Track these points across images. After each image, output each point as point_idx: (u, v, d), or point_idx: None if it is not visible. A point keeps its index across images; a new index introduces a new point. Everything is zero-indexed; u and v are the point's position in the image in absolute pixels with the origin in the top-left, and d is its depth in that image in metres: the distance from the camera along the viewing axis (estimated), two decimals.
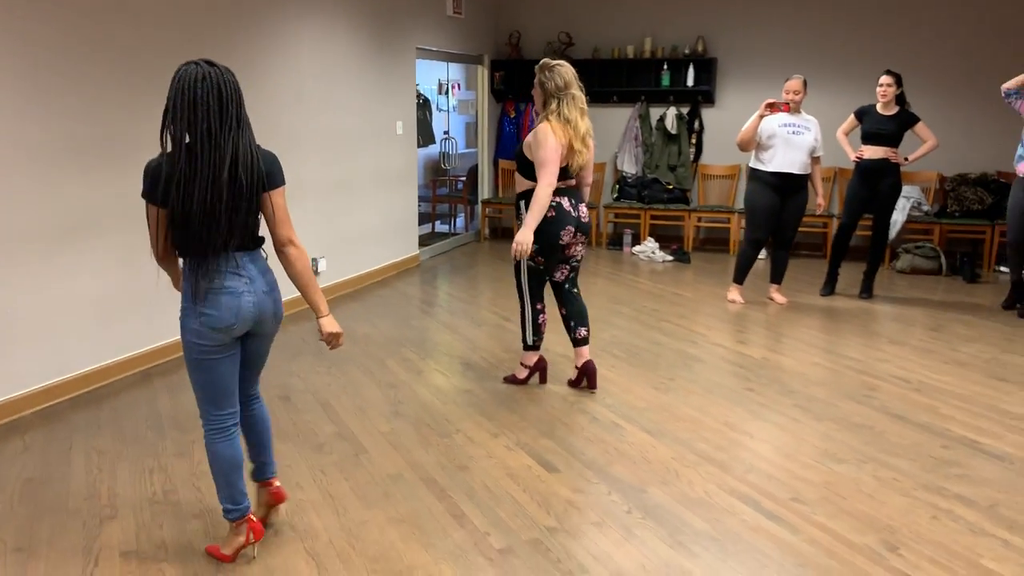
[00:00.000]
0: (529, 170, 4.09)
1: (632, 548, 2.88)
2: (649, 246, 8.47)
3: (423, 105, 11.23)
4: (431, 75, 11.76)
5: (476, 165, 9.56)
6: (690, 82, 8.65)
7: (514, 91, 9.30)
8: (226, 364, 2.65)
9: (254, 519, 2.77)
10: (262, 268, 2.70)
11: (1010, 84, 5.98)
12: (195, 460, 3.54)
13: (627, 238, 8.77)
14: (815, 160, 6.14)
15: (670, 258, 8.29)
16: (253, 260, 2.66)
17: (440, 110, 11.54)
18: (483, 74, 9.23)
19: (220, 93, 2.41)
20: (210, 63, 2.45)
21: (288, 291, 5.04)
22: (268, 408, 3.14)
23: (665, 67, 8.72)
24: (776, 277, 6.48)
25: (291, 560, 2.79)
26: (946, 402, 4.32)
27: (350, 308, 6.17)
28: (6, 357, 3.96)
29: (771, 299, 6.42)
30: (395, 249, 7.45)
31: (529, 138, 4.10)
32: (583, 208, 4.23)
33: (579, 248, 4.26)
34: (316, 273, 6.26)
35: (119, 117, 4.44)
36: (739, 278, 6.45)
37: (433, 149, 11.05)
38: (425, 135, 11.05)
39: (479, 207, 9.46)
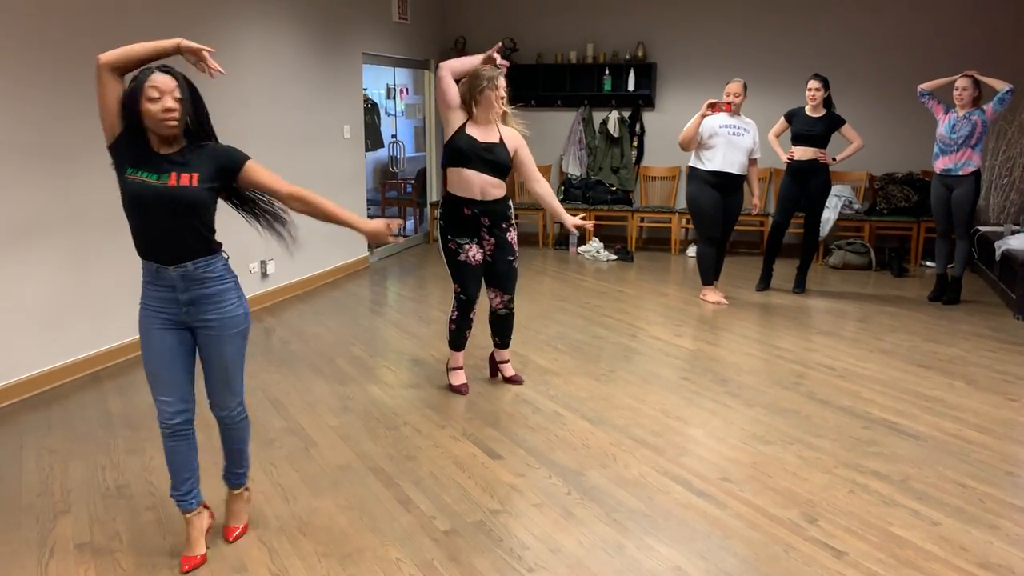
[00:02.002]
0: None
1: (570, 526, 3.05)
2: (594, 246, 8.68)
3: (371, 109, 11.31)
4: (380, 80, 11.87)
5: (424, 169, 9.68)
6: (631, 87, 8.90)
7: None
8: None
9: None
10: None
11: (927, 85, 6.32)
12: (147, 456, 3.62)
13: (572, 238, 8.98)
14: (752, 162, 6.39)
15: (614, 257, 8.51)
16: None
17: (389, 114, 11.66)
18: (429, 78, 9.36)
19: None
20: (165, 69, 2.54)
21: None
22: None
23: (607, 72, 8.96)
24: (713, 277, 6.69)
25: (243, 547, 2.90)
26: (868, 387, 4.58)
27: (299, 309, 6.25)
28: None
29: (703, 298, 6.63)
30: (344, 251, 7.54)
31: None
32: None
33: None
34: (265, 275, 6.34)
35: (60, 121, 4.48)
36: (708, 279, 6.60)
37: (382, 153, 11.16)
38: (373, 139, 11.13)
39: (427, 210, 9.59)
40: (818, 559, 2.83)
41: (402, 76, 11.20)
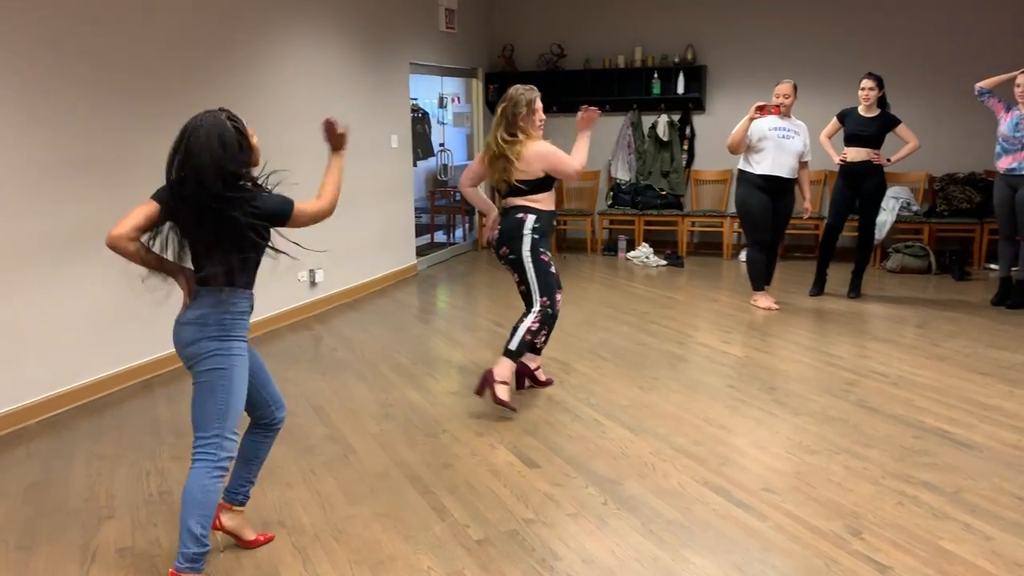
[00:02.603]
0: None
1: (604, 536, 3.01)
2: (643, 251, 8.60)
3: (422, 119, 11.42)
4: (432, 89, 11.97)
5: None
6: (680, 90, 8.79)
7: None
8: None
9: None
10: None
11: (984, 83, 6.11)
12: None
13: (621, 244, 8.90)
14: (803, 164, 6.25)
15: (664, 263, 8.42)
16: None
17: (441, 123, 11.73)
18: (477, 87, 9.40)
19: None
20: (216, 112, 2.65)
21: (265, 310, 5.19)
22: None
23: (655, 75, 8.87)
24: (763, 282, 6.54)
25: (278, 553, 2.93)
26: (923, 395, 4.43)
27: (348, 317, 6.32)
28: (11, 369, 4.12)
29: (753, 303, 6.48)
30: (392, 259, 7.60)
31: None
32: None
33: (515, 278, 4.39)
34: (314, 284, 6.42)
35: (116, 137, 4.61)
36: (758, 284, 6.48)
37: (433, 162, 11.24)
38: (424, 148, 11.23)
39: (476, 218, 9.62)
40: (860, 574, 2.73)
41: (454, 85, 11.28)
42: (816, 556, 2.85)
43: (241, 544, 2.96)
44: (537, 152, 4.22)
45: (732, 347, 5.38)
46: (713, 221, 8.82)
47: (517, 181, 4.24)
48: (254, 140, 2.72)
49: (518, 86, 4.30)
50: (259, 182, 2.74)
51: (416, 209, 10.34)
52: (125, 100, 4.65)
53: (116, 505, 3.31)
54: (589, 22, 9.17)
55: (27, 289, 4.17)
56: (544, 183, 4.30)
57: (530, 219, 4.25)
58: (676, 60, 8.84)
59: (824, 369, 4.91)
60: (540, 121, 4.33)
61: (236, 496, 2.92)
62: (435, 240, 9.86)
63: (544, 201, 4.33)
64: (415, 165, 11.06)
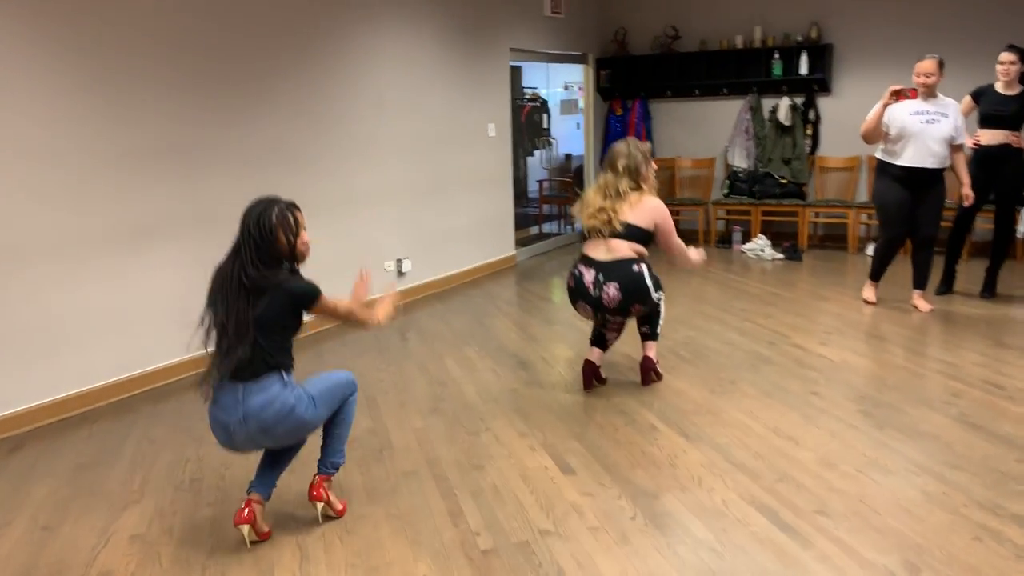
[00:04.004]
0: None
1: (621, 555, 2.75)
2: (759, 243, 8.08)
3: (540, 107, 11.27)
4: (558, 77, 11.77)
5: (581, 166, 9.46)
6: (804, 70, 8.17)
7: (621, 89, 9.14)
8: None
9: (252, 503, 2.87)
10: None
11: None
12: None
13: (736, 235, 8.40)
14: (956, 148, 5.50)
15: (780, 256, 7.87)
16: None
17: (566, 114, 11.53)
18: (589, 73, 9.13)
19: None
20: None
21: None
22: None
23: (776, 56, 8.29)
24: (919, 282, 5.80)
25: (278, 551, 2.85)
26: None
27: (433, 308, 6.25)
28: (83, 352, 4.29)
29: (914, 307, 5.79)
30: (488, 250, 7.49)
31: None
32: (595, 279, 4.10)
33: (617, 320, 4.25)
34: (401, 273, 6.39)
35: (191, 126, 4.72)
36: (874, 275, 5.96)
37: (556, 152, 11.07)
38: (538, 137, 11.07)
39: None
40: None
41: (575, 73, 11.02)
42: None
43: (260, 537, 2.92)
44: (656, 205, 4.17)
45: (828, 349, 4.90)
46: (838, 212, 8.16)
47: (625, 223, 4.07)
48: (304, 236, 2.86)
49: (625, 142, 4.24)
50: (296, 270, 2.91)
51: (532, 199, 10.22)
52: (201, 90, 4.75)
53: (147, 490, 3.35)
54: (705, 2, 8.69)
55: (102, 276, 4.33)
56: (649, 237, 4.17)
57: (644, 267, 4.10)
58: (799, 39, 8.22)
59: (929, 377, 4.37)
60: (653, 170, 4.29)
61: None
62: (543, 231, 9.67)
63: (647, 256, 4.20)
64: (531, 155, 10.95)
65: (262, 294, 2.74)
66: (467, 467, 3.47)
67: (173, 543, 2.93)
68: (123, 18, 4.32)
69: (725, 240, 8.59)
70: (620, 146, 4.22)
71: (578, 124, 10.34)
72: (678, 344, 5.10)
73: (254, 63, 5.05)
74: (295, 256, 2.86)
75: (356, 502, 3.19)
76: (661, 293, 4.24)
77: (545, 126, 10.60)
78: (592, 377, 4.34)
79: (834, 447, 3.54)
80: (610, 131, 9.29)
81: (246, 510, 2.84)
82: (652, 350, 4.38)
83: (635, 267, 4.05)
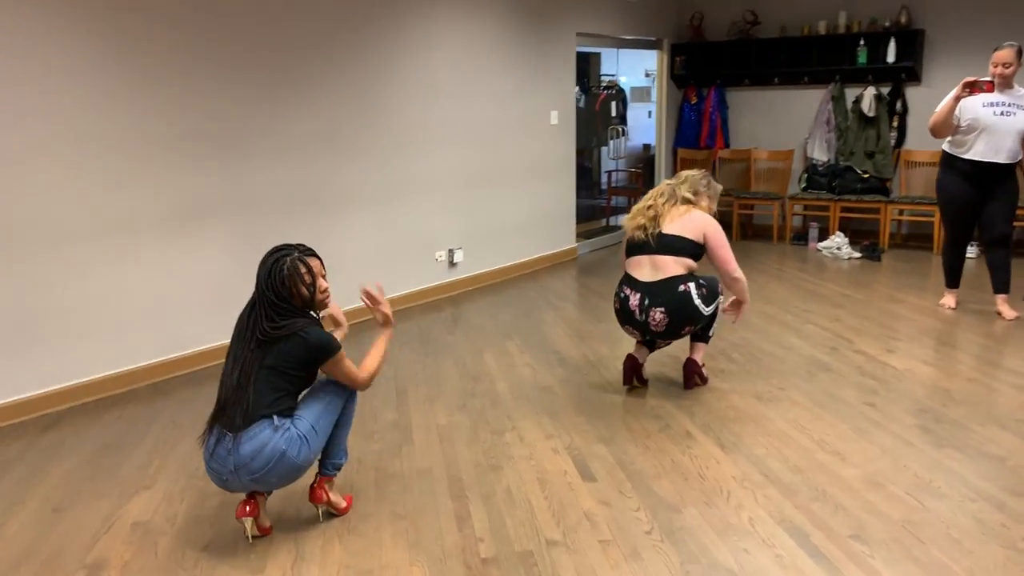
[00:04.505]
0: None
1: (627, 571, 2.55)
2: (836, 241, 7.65)
3: (616, 95, 10.99)
4: (638, 64, 11.44)
5: (653, 156, 9.17)
6: (891, 58, 7.68)
7: (696, 76, 8.81)
8: None
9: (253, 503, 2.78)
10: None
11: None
12: None
13: (812, 232, 7.99)
14: None
15: (858, 256, 7.43)
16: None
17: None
18: (663, 59, 8.82)
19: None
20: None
21: (398, 288, 5.09)
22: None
23: (862, 42, 7.82)
24: (999, 285, 5.35)
25: (276, 546, 2.77)
26: None
27: (484, 301, 6.12)
28: (125, 333, 4.32)
29: (998, 313, 5.34)
30: (547, 242, 7.30)
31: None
32: (640, 303, 3.87)
33: (668, 342, 4.09)
34: (452, 264, 6.29)
35: (238, 112, 4.70)
36: (949, 282, 5.56)
37: (635, 141, 10.75)
38: (610, 127, 10.79)
39: None
40: None
41: (649, 60, 10.72)
42: None
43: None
44: (707, 217, 3.92)
45: (894, 358, 4.55)
46: (925, 210, 7.65)
47: (672, 234, 3.84)
48: (323, 284, 2.76)
49: (699, 171, 4.12)
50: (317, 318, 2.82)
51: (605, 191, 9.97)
52: (247, 74, 4.72)
53: (159, 476, 3.32)
54: None
55: (144, 258, 4.35)
56: (699, 250, 3.89)
57: (691, 285, 3.83)
58: (887, 24, 7.73)
59: (1003, 392, 4.00)
60: (714, 203, 4.10)
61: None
62: (610, 223, 9.43)
63: (696, 270, 3.95)
64: (605, 144, 10.70)
65: (277, 343, 2.66)
66: (484, 467, 3.32)
67: (173, 532, 2.88)
68: (175, 4, 4.31)
69: (800, 237, 8.18)
70: (691, 170, 4.10)
71: (650, 112, 10.03)
72: (731, 346, 4.83)
73: (305, 51, 5.00)
74: (314, 306, 2.77)
75: (364, 499, 3.08)
76: (720, 298, 3.99)
77: (614, 114, 10.30)
78: (633, 374, 4.13)
79: (883, 465, 3.25)
80: (684, 120, 8.97)
81: (248, 504, 2.76)
82: (700, 352, 4.14)
83: (681, 287, 3.79)
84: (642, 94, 10.24)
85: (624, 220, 4.14)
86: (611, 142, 10.17)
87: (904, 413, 3.76)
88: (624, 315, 3.95)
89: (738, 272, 3.91)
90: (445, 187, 6.12)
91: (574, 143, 7.56)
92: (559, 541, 2.75)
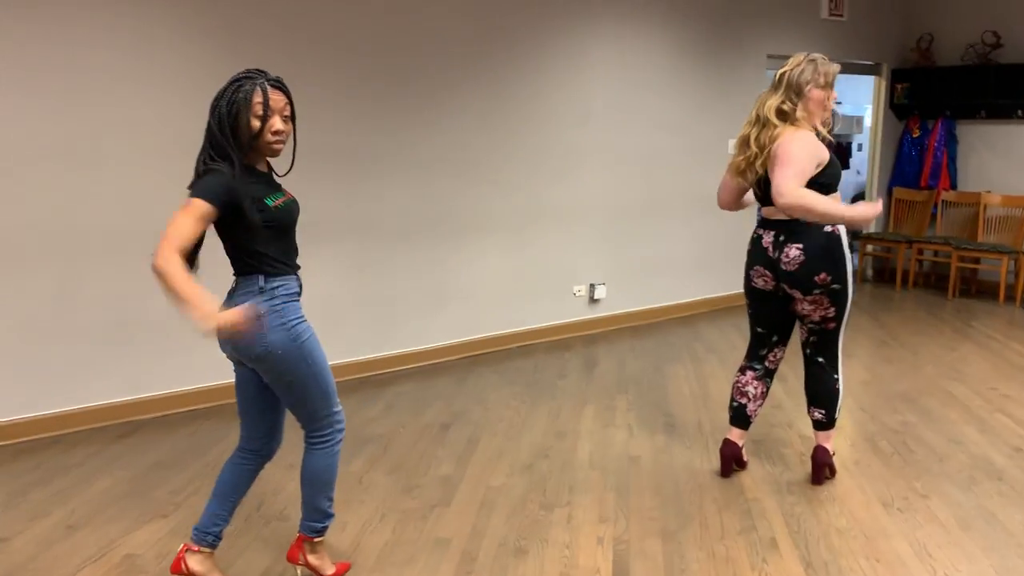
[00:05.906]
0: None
1: None
2: None
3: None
4: (846, 91, 10.27)
5: (862, 193, 8.10)
6: None
7: (921, 105, 7.66)
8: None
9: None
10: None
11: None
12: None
13: None
14: None
15: None
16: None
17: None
18: (881, 86, 7.77)
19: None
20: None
21: (525, 322, 4.82)
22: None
23: None
24: None
25: None
26: None
27: (620, 343, 5.59)
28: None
29: None
30: (710, 284, 6.58)
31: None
32: (775, 239, 3.17)
33: (805, 306, 3.21)
34: (593, 300, 5.82)
35: (364, 130, 4.58)
36: None
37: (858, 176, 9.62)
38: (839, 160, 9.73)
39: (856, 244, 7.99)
40: None
41: (864, 86, 9.50)
42: None
43: None
44: (788, 138, 3.01)
45: None
46: None
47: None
48: (276, 123, 2.30)
49: (805, 53, 3.15)
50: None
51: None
52: (380, 95, 4.60)
53: (183, 506, 3.19)
54: None
55: None
56: (828, 181, 3.07)
57: (842, 231, 3.13)
58: None
59: None
60: (829, 106, 3.13)
61: (206, 537, 2.55)
62: None
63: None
64: None
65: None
66: (509, 549, 2.87)
67: (154, 572, 2.71)
68: (305, 23, 4.28)
69: None
70: (796, 55, 3.16)
71: (860, 145, 8.92)
72: (884, 430, 3.98)
73: (455, 75, 4.84)
74: (260, 147, 2.32)
75: (363, 565, 2.75)
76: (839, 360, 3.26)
77: (839, 144, 9.25)
78: (732, 461, 3.47)
79: None
80: (902, 155, 7.85)
81: (183, 562, 2.51)
82: (829, 440, 3.40)
83: (826, 227, 3.08)
84: (849, 124, 9.11)
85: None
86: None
87: None
88: (755, 256, 3.24)
89: (790, 196, 2.88)
90: (588, 216, 5.68)
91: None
92: None
